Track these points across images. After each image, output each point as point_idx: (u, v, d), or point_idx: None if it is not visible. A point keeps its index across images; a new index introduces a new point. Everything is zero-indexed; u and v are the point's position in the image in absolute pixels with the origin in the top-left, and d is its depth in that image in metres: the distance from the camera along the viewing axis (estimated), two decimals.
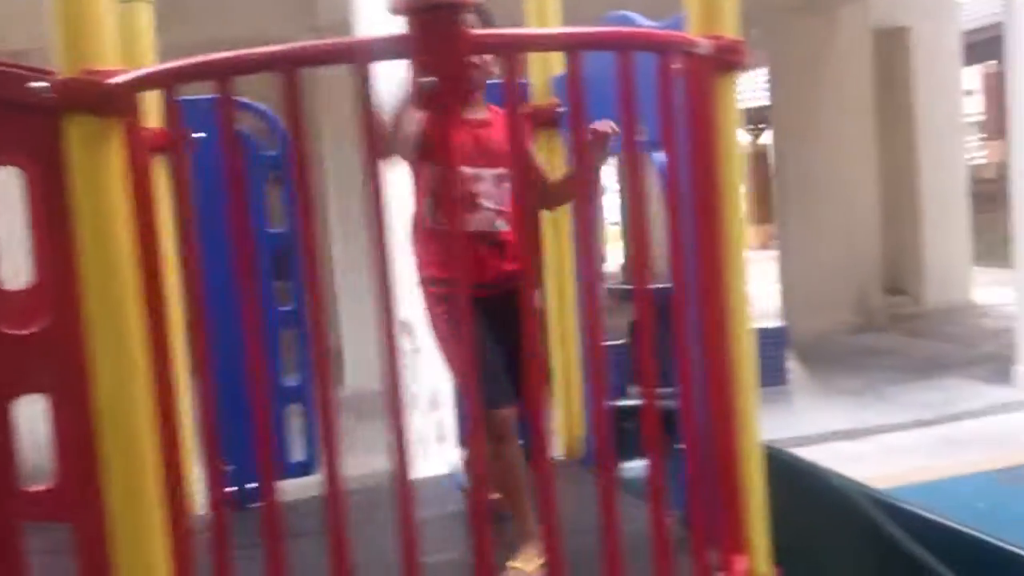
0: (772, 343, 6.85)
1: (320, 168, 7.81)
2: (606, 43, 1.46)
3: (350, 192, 6.90)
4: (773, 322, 7.20)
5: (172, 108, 1.46)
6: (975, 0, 14.98)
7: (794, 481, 2.25)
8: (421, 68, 1.31)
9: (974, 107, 17.43)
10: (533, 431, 1.58)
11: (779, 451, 2.33)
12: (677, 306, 1.62)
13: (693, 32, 1.79)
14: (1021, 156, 6.26)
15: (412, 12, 1.32)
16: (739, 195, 1.86)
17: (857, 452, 5.49)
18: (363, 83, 1.36)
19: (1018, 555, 2.15)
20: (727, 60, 1.75)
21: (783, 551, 1.93)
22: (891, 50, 9.62)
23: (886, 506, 2.26)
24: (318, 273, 1.39)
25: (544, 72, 2.62)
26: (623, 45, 1.45)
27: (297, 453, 2.83)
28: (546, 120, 2.62)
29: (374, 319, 1.41)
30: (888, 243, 9.59)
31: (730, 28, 1.79)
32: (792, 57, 8.76)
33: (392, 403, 1.39)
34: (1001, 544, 2.21)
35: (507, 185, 2.16)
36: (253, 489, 2.64)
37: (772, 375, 6.82)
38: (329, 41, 1.37)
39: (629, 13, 2.16)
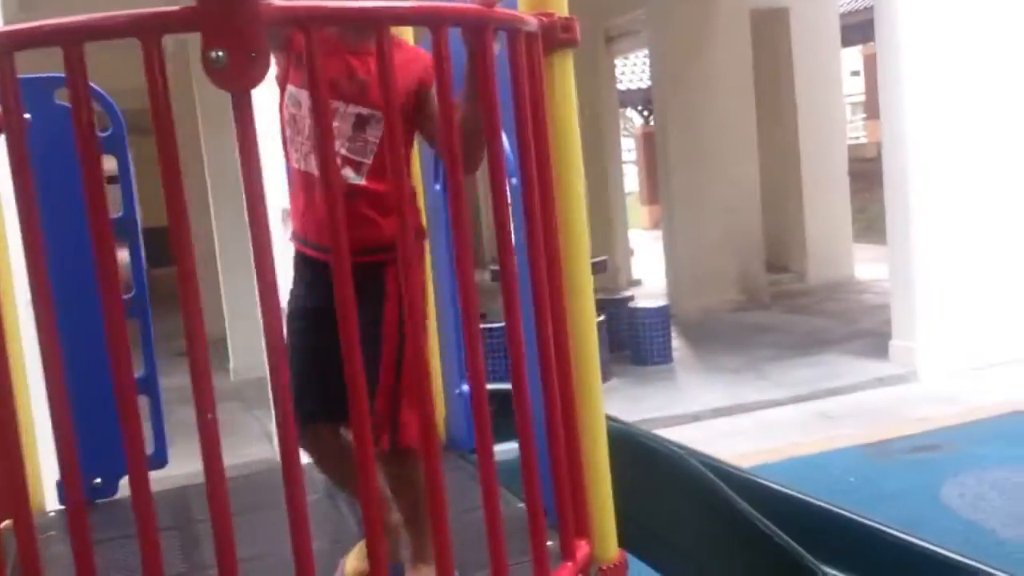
0: (657, 322, 6.97)
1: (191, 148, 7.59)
2: (417, 18, 1.41)
3: (228, 171, 6.68)
4: (658, 301, 7.29)
5: (8, 84, 1.32)
6: None
7: (639, 457, 2.25)
8: (211, 42, 1.23)
9: (855, 87, 18.03)
10: (421, 431, 1.47)
11: (623, 427, 2.33)
12: (507, 289, 1.57)
13: (522, 9, 1.75)
14: (892, 135, 6.47)
15: None
16: (578, 174, 1.82)
17: (736, 428, 5.62)
18: (153, 59, 1.27)
19: (853, 520, 2.21)
20: (558, 38, 1.72)
21: (631, 530, 1.93)
22: (771, 31, 9.85)
23: (730, 477, 2.29)
24: (190, 257, 1.28)
25: None
26: (437, 21, 1.39)
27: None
28: None
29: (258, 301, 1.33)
30: (771, 222, 9.84)
31: (560, 4, 1.75)
32: (673, 38, 8.88)
33: (278, 389, 1.30)
34: (836, 509, 2.28)
35: (373, 131, 1.87)
36: (102, 485, 2.56)
37: (657, 353, 6.94)
38: (116, 14, 1.27)
39: None
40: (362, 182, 1.87)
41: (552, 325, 1.67)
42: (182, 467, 2.46)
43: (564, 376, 1.72)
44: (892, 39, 6.26)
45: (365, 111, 1.84)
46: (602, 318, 6.65)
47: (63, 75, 1.30)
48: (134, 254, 2.56)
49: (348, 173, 1.87)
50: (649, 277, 11.02)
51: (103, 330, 1.33)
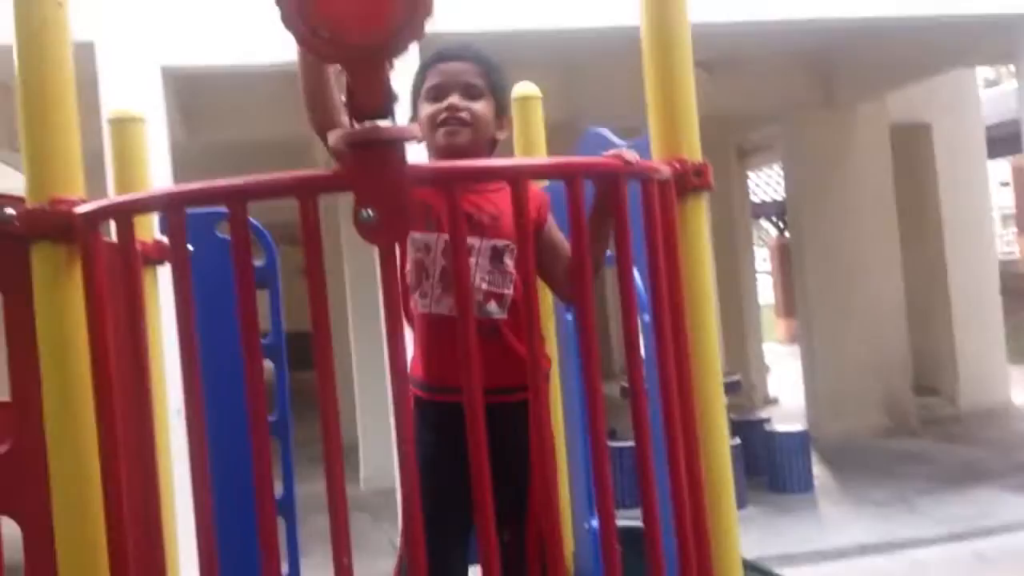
0: (796, 447, 6.71)
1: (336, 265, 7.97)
2: (555, 173, 1.46)
3: (367, 282, 6.92)
4: (797, 425, 7.02)
5: (175, 227, 1.44)
6: (1004, 93, 15.07)
7: None
8: (362, 201, 1.31)
9: (1005, 200, 17.33)
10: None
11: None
12: (638, 423, 1.57)
13: (655, 155, 1.80)
14: None
15: (351, 147, 1.33)
16: (711, 312, 1.82)
17: (886, 568, 5.28)
18: (309, 215, 1.36)
19: None
20: (691, 183, 1.75)
21: None
22: (912, 145, 9.64)
23: None
24: (331, 368, 1.35)
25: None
26: (573, 174, 1.45)
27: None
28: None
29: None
30: (918, 341, 9.42)
31: (693, 150, 1.79)
32: (810, 152, 8.80)
33: (408, 506, 1.33)
34: None
35: (510, 262, 1.94)
36: None
37: (797, 481, 6.66)
38: (273, 176, 1.38)
39: (603, 131, 2.19)
40: (505, 316, 1.94)
41: (684, 460, 1.65)
42: None
43: (699, 515, 1.68)
44: None
45: (500, 243, 1.92)
46: (737, 442, 6.46)
47: (224, 210, 1.41)
48: (279, 378, 2.69)
49: (492, 308, 1.94)
50: (786, 395, 10.66)
51: (247, 453, 1.41)
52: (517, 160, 1.42)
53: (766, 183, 16.86)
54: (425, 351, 1.98)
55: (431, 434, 1.93)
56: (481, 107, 1.99)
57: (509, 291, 1.96)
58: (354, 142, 1.34)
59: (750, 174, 16.35)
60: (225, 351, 2.05)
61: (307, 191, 1.36)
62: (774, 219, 18.35)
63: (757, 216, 17.56)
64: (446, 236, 1.81)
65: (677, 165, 1.73)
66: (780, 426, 7.01)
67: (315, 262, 1.36)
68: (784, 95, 8.48)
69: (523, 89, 2.70)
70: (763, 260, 20.98)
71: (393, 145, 1.33)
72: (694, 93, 1.81)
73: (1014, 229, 18.18)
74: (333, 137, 1.35)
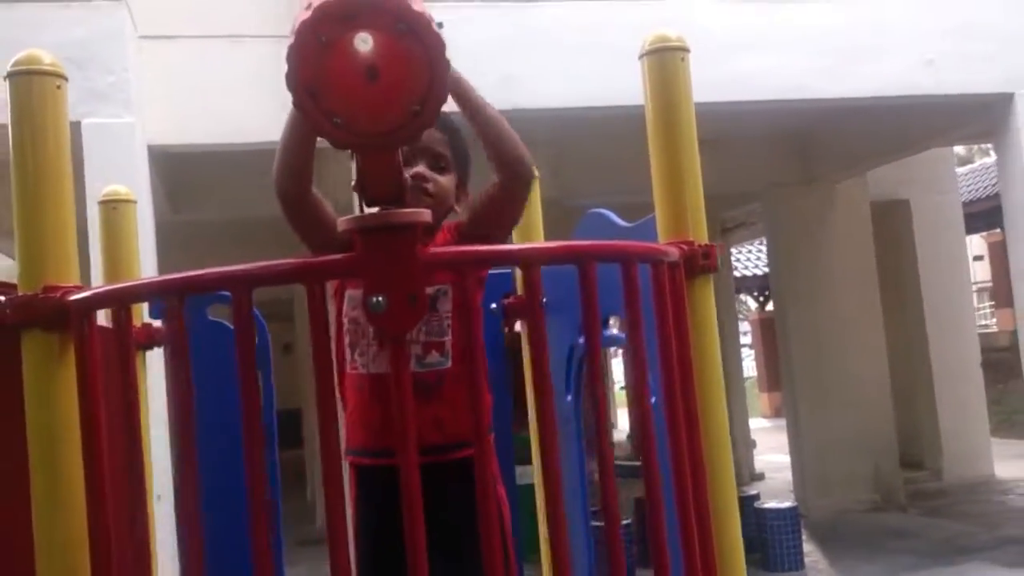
0: (786, 524, 6.62)
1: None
2: (565, 257, 1.44)
3: None
4: (786, 502, 6.94)
5: (174, 314, 1.39)
6: (977, 170, 15.40)
7: None
8: (372, 288, 1.28)
9: (981, 274, 17.57)
10: None
11: None
12: (653, 508, 1.52)
13: (662, 235, 1.78)
14: None
15: (363, 232, 1.30)
16: (722, 395, 1.79)
17: None
18: (316, 300, 1.33)
19: None
20: (699, 264, 1.73)
21: None
22: (892, 221, 9.78)
23: None
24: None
25: None
26: (584, 259, 1.42)
27: None
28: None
29: None
30: (903, 416, 9.41)
31: (699, 232, 1.77)
32: (792, 228, 8.89)
33: None
34: None
35: (444, 304, 1.86)
36: None
37: (787, 559, 6.56)
38: (282, 262, 1.34)
39: (605, 212, 2.18)
40: (449, 364, 1.86)
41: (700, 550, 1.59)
42: None
43: None
44: (1022, 226, 6.11)
45: (431, 290, 1.83)
46: None
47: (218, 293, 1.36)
48: (271, 461, 2.62)
49: (435, 358, 1.87)
50: (772, 470, 10.58)
51: (239, 539, 1.34)
52: (529, 245, 1.39)
53: (747, 258, 17.02)
54: (364, 414, 1.89)
55: (375, 503, 1.86)
56: (446, 181, 1.97)
57: (448, 338, 1.88)
58: (365, 227, 1.31)
59: (732, 250, 16.53)
60: (217, 434, 1.99)
61: (315, 277, 1.32)
62: (755, 294, 18.48)
63: (738, 291, 17.69)
64: None
65: (685, 247, 1.72)
66: (769, 503, 6.92)
67: (322, 345, 1.31)
68: (765, 173, 8.60)
69: None
70: (744, 335, 21.09)
71: (406, 231, 1.30)
72: (699, 175, 1.81)
73: (990, 302, 18.39)
74: (343, 223, 1.32)
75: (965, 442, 9.66)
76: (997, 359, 11.87)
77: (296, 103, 1.25)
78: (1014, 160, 6.11)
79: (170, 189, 7.29)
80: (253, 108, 5.62)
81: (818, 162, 8.67)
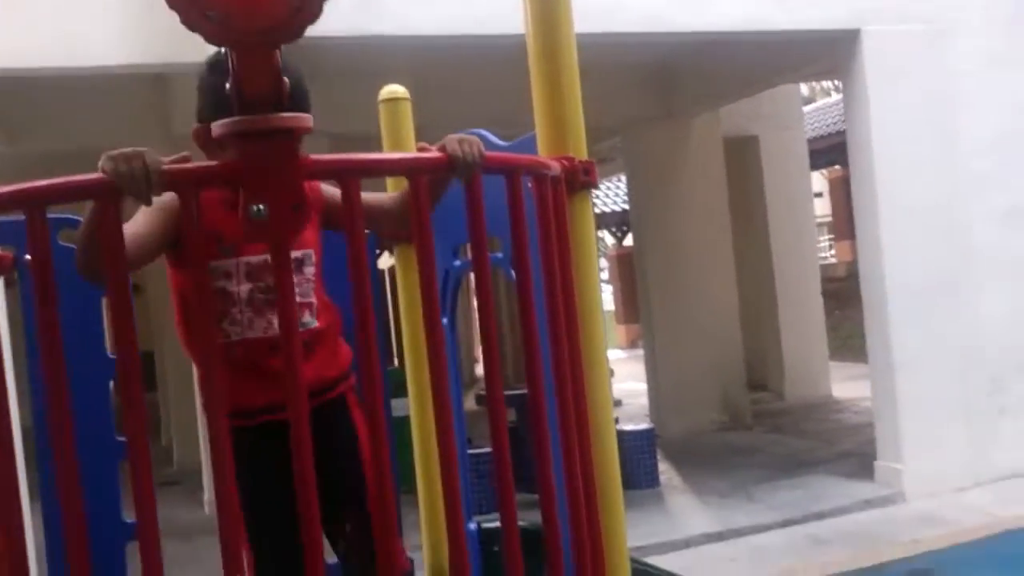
0: (643, 445, 6.90)
1: None
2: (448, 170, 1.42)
3: None
4: (643, 424, 7.23)
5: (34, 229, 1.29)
6: (820, 109, 16.13)
7: None
8: (252, 196, 1.23)
9: (821, 209, 18.52)
10: None
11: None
12: (537, 421, 1.55)
13: (542, 153, 1.79)
14: (868, 257, 6.60)
15: (243, 138, 1.24)
16: (599, 306, 1.83)
17: (728, 554, 5.51)
18: (191, 211, 1.27)
19: None
20: (578, 181, 1.75)
21: None
22: (743, 156, 10.17)
23: None
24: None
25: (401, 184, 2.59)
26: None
27: None
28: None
29: None
30: (750, 341, 9.92)
31: (579, 150, 1.79)
32: (650, 163, 9.11)
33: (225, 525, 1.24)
34: None
35: (309, 270, 1.94)
36: None
37: (644, 477, 6.84)
38: (193, 161, 1.27)
39: (483, 131, 2.16)
40: (316, 324, 1.95)
41: (579, 446, 1.64)
42: None
43: (591, 505, 1.68)
44: (866, 162, 6.45)
45: (298, 253, 1.88)
46: None
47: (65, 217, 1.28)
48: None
49: (307, 318, 1.93)
50: (629, 397, 10.98)
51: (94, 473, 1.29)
52: (414, 154, 1.37)
53: (605, 195, 17.32)
54: (242, 378, 1.90)
55: (260, 460, 1.88)
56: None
57: (313, 299, 1.96)
58: (244, 132, 1.25)
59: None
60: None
61: (193, 185, 1.26)
62: (613, 229, 18.89)
63: (598, 227, 18.03)
64: (246, 259, 1.86)
65: (566, 163, 1.73)
66: (627, 426, 7.19)
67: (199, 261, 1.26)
68: (625, 107, 8.73)
69: (392, 91, 2.65)
70: (601, 270, 21.60)
71: (287, 136, 1.25)
72: (580, 95, 1.82)
73: (829, 236, 19.47)
74: (219, 127, 1.26)
75: (806, 365, 10.31)
76: (835, 288, 12.63)
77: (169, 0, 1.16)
78: (859, 95, 6.42)
79: (2, 117, 6.80)
80: (94, 28, 5.27)
81: (676, 97, 8.87)
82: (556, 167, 1.66)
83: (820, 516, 6.02)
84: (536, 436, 1.56)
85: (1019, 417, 6.66)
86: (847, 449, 7.65)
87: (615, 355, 15.02)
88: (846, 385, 10.25)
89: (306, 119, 1.26)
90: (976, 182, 6.53)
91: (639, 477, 6.81)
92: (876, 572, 5.04)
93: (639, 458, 6.83)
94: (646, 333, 9.53)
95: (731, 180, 9.65)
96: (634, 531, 5.89)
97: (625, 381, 12.04)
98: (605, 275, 20.22)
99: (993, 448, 6.53)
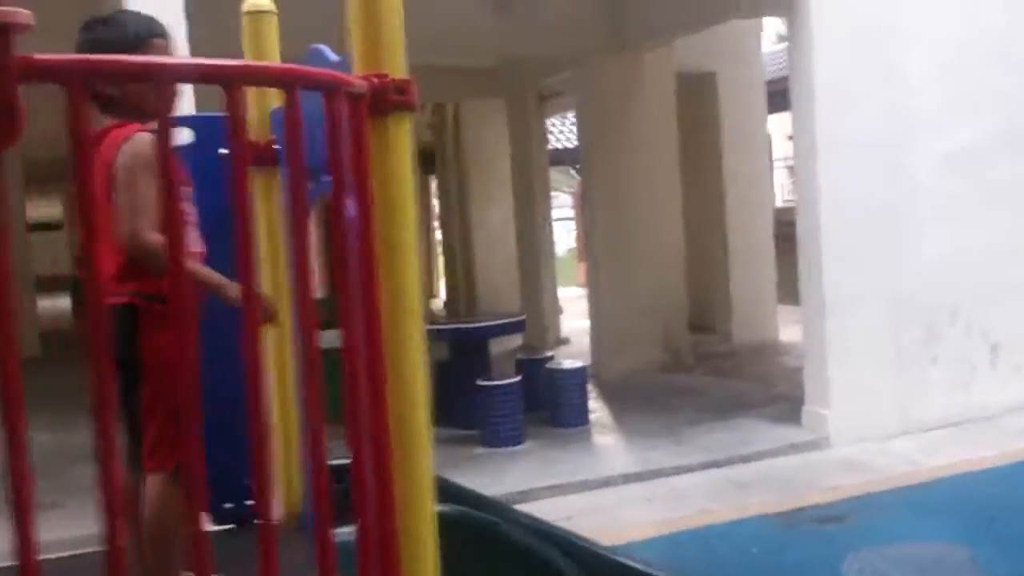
0: (574, 383, 6.87)
1: None
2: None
3: None
4: (577, 362, 7.19)
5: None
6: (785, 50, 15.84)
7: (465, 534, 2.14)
8: None
9: (786, 151, 18.37)
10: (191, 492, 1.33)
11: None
12: (349, 356, 1.47)
13: (359, 70, 1.66)
14: (805, 193, 6.53)
15: None
16: (411, 233, 1.71)
17: (647, 494, 5.51)
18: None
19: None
20: (390, 100, 1.63)
21: None
22: (697, 94, 9.98)
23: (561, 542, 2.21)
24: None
25: (262, 106, 2.46)
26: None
27: None
28: (262, 156, 2.45)
29: None
30: (698, 282, 9.86)
31: (398, 68, 1.66)
32: (600, 98, 8.92)
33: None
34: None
35: None
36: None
37: (574, 416, 6.83)
38: None
39: (323, 48, 2.03)
40: None
41: (371, 390, 1.56)
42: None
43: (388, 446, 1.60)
44: (807, 97, 6.34)
45: None
46: (518, 378, 6.55)
47: None
48: None
49: None
50: (577, 335, 10.95)
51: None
52: (210, 61, 1.24)
53: (570, 130, 17.06)
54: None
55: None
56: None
57: None
58: None
59: (554, 121, 16.49)
60: None
61: None
62: (577, 166, 18.68)
63: (562, 163, 17.80)
64: None
65: (375, 80, 1.60)
66: (560, 363, 7.15)
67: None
68: (576, 38, 8.52)
69: (255, 3, 2.51)
70: (566, 207, 21.43)
71: (3, 31, 1.12)
72: (400, 6, 1.68)
73: (793, 179, 19.36)
74: None
75: (754, 308, 10.27)
76: (791, 232, 12.54)
77: None
78: (803, 27, 6.27)
79: None
80: None
81: (628, 28, 8.65)
82: (356, 83, 1.53)
83: (745, 459, 6.03)
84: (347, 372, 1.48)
85: (951, 366, 6.69)
86: (782, 393, 7.63)
87: (572, 293, 14.97)
88: (794, 329, 10.16)
89: (21, 14, 1.13)
90: (919, 120, 6.45)
91: (569, 415, 6.80)
92: (791, 517, 5.05)
93: (570, 396, 6.81)
94: (591, 271, 9.44)
95: (686, 117, 9.49)
96: (554, 468, 5.96)
97: (578, 319, 12.01)
98: (569, 212, 20.07)
99: (923, 397, 6.56)
